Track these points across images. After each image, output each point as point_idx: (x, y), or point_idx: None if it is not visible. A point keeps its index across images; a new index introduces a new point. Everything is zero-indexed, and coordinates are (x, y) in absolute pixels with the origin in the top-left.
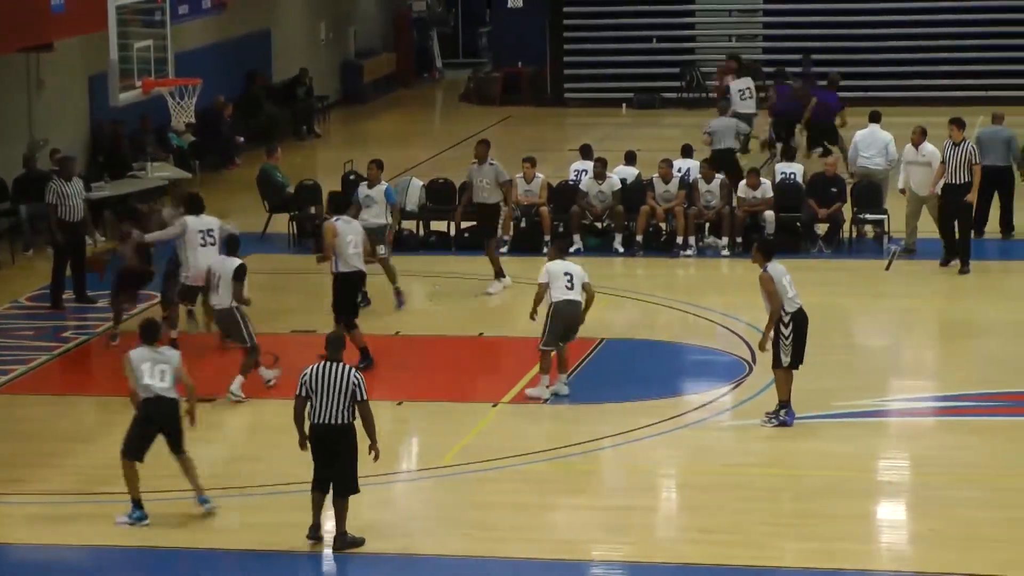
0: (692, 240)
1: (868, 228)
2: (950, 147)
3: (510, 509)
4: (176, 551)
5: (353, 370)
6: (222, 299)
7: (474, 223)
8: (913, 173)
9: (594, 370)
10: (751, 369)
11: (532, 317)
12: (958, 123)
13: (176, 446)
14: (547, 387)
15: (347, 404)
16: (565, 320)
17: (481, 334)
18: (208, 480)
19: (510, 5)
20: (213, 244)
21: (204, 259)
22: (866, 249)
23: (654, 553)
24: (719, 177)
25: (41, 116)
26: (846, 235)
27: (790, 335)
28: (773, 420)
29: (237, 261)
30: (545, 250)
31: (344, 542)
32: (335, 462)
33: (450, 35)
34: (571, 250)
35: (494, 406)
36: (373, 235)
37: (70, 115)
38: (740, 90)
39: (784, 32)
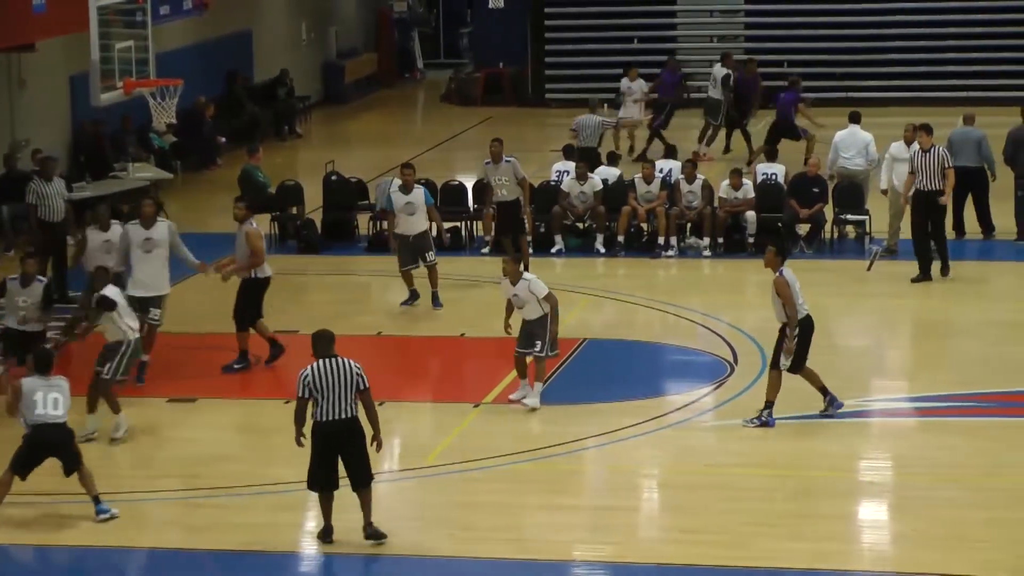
0: (674, 240)
1: (850, 228)
2: (919, 154)
3: (493, 509)
4: (159, 551)
5: (353, 362)
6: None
7: (455, 224)
8: (899, 170)
9: (576, 370)
10: (732, 370)
11: (507, 330)
12: (927, 129)
13: (68, 470)
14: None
15: (353, 396)
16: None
17: (463, 334)
18: (191, 480)
19: (491, 6)
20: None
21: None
22: (848, 249)
23: (637, 553)
24: (701, 178)
25: (22, 116)
26: (828, 236)
27: (794, 340)
28: (755, 421)
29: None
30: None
31: (374, 532)
32: (349, 455)
33: (431, 35)
34: (552, 251)
35: (476, 406)
36: (419, 241)
37: (52, 115)
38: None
39: (766, 33)
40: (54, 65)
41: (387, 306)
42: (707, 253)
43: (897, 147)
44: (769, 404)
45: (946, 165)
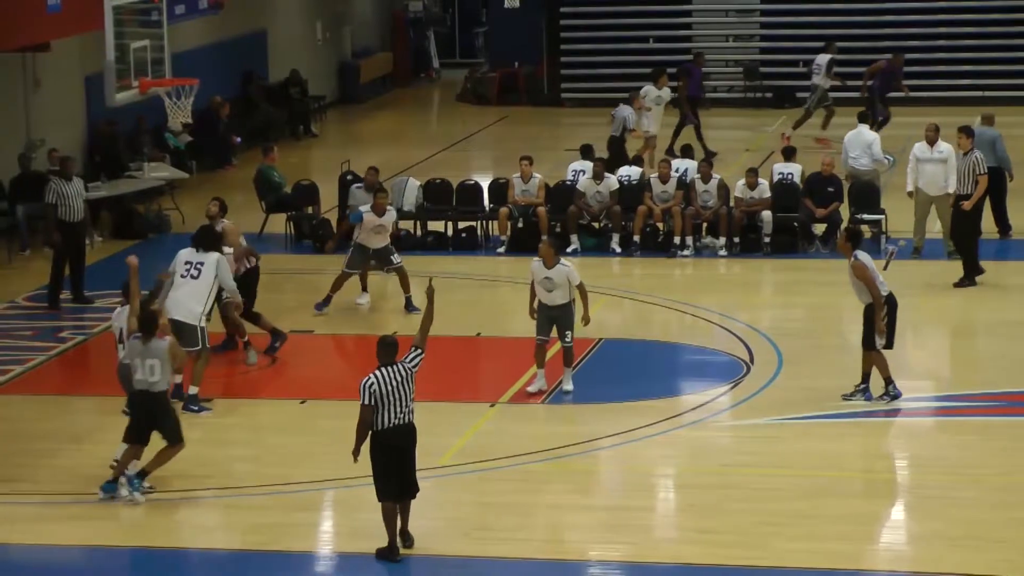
0: (689, 240)
1: (865, 228)
2: (959, 157)
3: (509, 509)
4: (172, 551)
5: (402, 364)
6: None
7: (471, 224)
8: (924, 171)
9: (592, 370)
10: (749, 369)
11: (532, 316)
12: (966, 131)
13: (168, 438)
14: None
15: (411, 399)
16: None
17: (479, 334)
18: (203, 480)
19: (507, 5)
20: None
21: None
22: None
23: (652, 553)
24: (716, 177)
25: (38, 116)
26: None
27: (884, 317)
28: (885, 398)
29: None
30: None
31: (410, 540)
32: (405, 463)
33: (447, 35)
34: (568, 250)
35: (492, 406)
36: (381, 252)
37: (67, 115)
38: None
39: (781, 32)
40: (69, 65)
41: (402, 305)
42: (723, 253)
43: (920, 147)
44: (888, 381)
45: (978, 171)
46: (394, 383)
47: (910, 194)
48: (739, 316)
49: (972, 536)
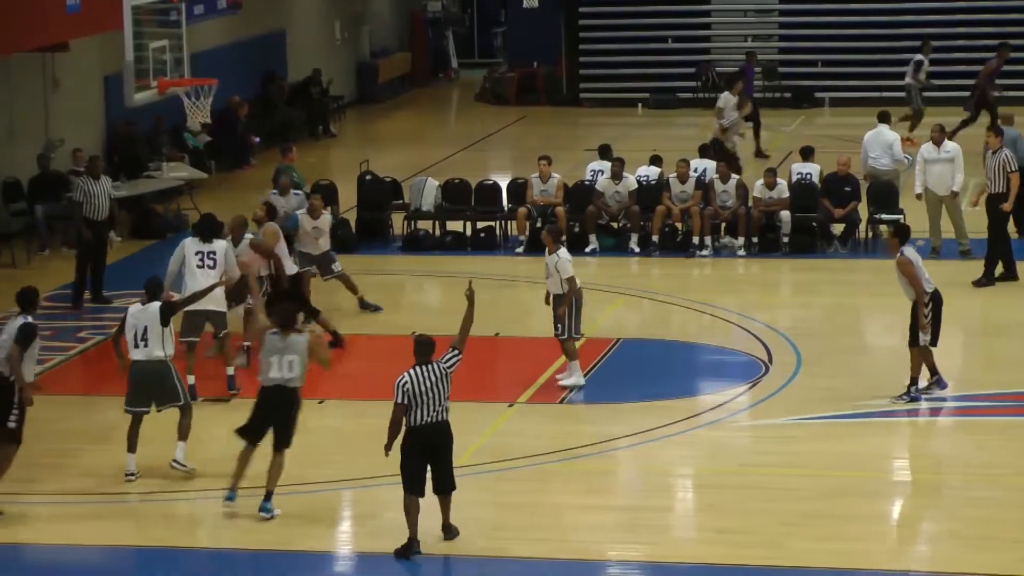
0: (708, 240)
1: (884, 228)
2: (989, 155)
3: (527, 509)
4: (189, 551)
5: (439, 364)
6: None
7: (489, 224)
8: (932, 172)
9: (610, 370)
10: (767, 369)
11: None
12: (995, 130)
13: (278, 443)
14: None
15: (446, 398)
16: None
17: (497, 334)
18: (225, 480)
19: (525, 5)
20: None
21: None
22: (882, 249)
23: (670, 553)
24: (735, 177)
25: (57, 116)
26: (862, 235)
27: (929, 314)
28: (904, 398)
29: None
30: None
31: (453, 532)
32: (437, 460)
33: (465, 35)
34: (587, 250)
35: (510, 406)
36: (322, 258)
37: (86, 115)
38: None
39: (800, 32)
40: (88, 65)
41: (421, 305)
42: (741, 253)
43: (927, 148)
44: (924, 377)
45: (1009, 169)
46: (429, 382)
47: (919, 196)
48: (758, 316)
49: (990, 536)
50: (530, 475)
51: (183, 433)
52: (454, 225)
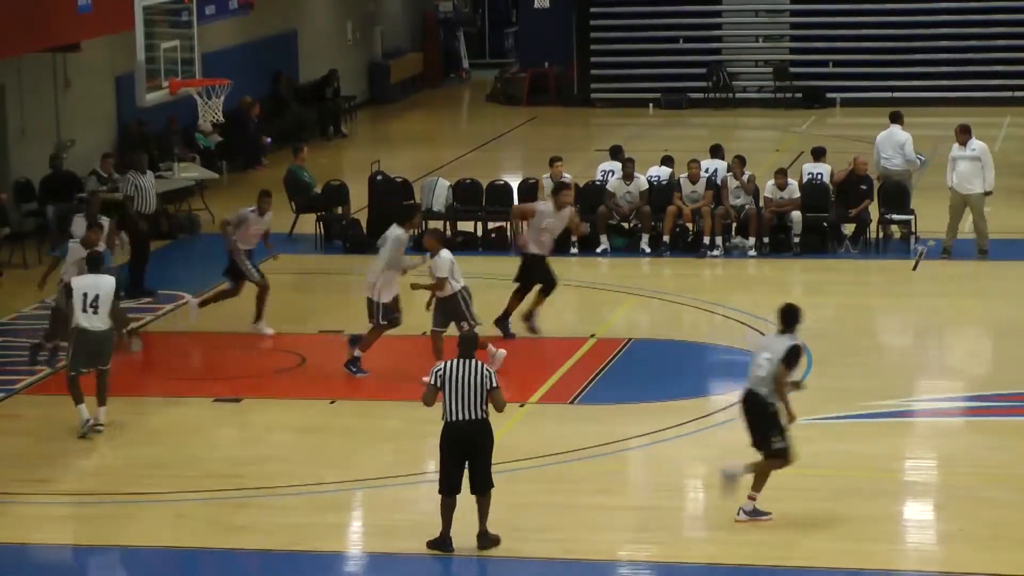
0: (719, 240)
1: (895, 228)
2: None
3: (539, 509)
4: (201, 551)
5: (484, 365)
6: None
7: (500, 224)
8: (958, 169)
9: (621, 370)
10: None
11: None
12: None
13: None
14: None
15: (483, 399)
16: None
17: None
18: (236, 480)
19: (537, 5)
20: None
21: None
22: (893, 249)
23: (681, 553)
24: (747, 174)
25: (68, 116)
26: (873, 235)
27: None
28: None
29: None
30: (573, 250)
31: (487, 540)
32: (474, 459)
33: (477, 35)
34: (598, 251)
35: (522, 406)
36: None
37: (97, 115)
38: None
39: (811, 32)
40: (99, 65)
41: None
42: (752, 253)
43: (954, 147)
44: None
45: None
46: (464, 376)
47: (951, 189)
48: (769, 316)
49: (1000, 536)
50: (542, 475)
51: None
52: (465, 225)
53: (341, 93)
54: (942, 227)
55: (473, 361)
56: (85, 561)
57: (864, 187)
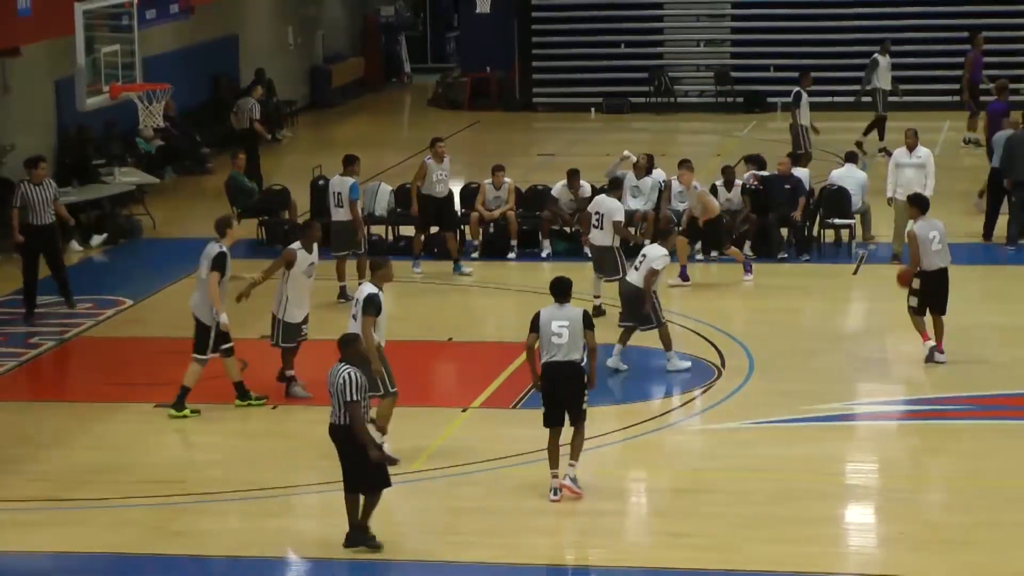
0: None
1: (831, 232)
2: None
3: (481, 513)
4: (141, 557)
5: (346, 369)
6: None
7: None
8: (902, 176)
9: None
10: (720, 373)
11: None
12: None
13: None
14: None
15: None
16: None
17: (450, 339)
18: (176, 486)
19: (478, 10)
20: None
21: None
22: (834, 254)
23: (625, 557)
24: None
25: (7, 121)
26: (815, 240)
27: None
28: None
29: None
30: (511, 255)
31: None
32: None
33: (418, 39)
34: (542, 255)
35: (464, 411)
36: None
37: (37, 120)
38: None
39: (752, 37)
40: (39, 69)
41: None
42: (699, 257)
43: (900, 152)
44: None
45: None
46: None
47: (890, 201)
48: (710, 320)
49: (940, 539)
50: (484, 480)
51: None
52: (407, 230)
53: (277, 95)
54: (892, 233)
55: (340, 365)
56: (26, 569)
57: (788, 186)
